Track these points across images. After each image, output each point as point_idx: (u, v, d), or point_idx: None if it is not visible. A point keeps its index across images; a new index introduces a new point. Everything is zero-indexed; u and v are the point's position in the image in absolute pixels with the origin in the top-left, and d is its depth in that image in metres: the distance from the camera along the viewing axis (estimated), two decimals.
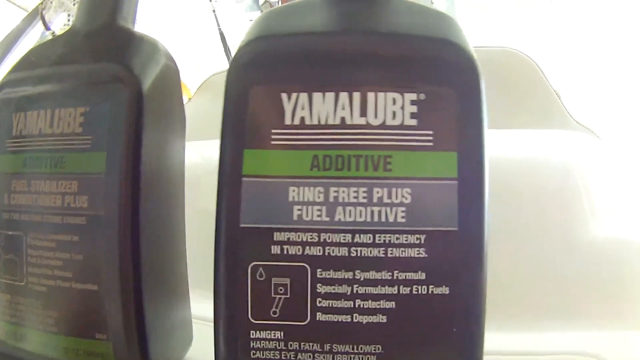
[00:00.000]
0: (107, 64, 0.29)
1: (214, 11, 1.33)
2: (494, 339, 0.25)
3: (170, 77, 0.31)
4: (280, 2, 1.26)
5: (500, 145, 0.43)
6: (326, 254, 0.23)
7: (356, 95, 0.24)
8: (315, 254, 0.23)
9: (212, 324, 0.38)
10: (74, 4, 0.63)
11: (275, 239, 0.24)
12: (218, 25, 1.31)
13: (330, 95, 0.24)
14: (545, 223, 0.41)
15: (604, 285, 0.39)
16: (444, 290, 0.23)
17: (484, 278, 0.23)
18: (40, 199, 0.29)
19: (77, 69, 0.30)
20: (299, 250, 0.23)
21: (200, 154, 0.37)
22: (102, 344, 0.28)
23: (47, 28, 0.61)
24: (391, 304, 0.23)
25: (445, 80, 0.24)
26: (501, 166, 0.37)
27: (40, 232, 0.29)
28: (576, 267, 0.40)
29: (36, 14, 0.58)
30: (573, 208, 0.42)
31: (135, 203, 0.28)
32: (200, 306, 0.34)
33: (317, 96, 0.24)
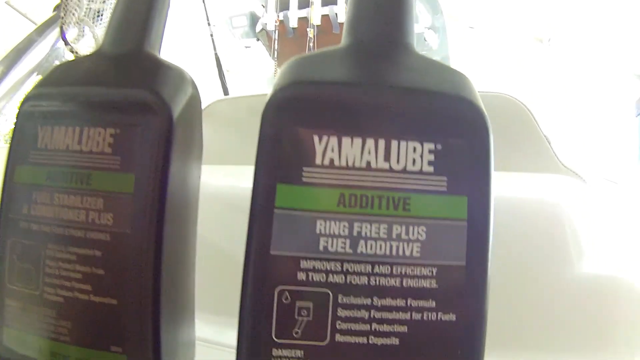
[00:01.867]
0: (137, 89, 0.31)
1: (211, 35, 1.34)
2: None
3: (195, 106, 0.33)
4: (277, 32, 1.29)
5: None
6: (348, 282, 0.26)
7: (381, 142, 0.27)
8: (337, 281, 0.26)
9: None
10: (93, 22, 0.63)
11: (301, 266, 0.26)
12: (215, 49, 1.32)
13: (357, 141, 0.27)
14: (533, 262, 0.45)
15: (588, 321, 0.43)
16: (451, 317, 0.26)
17: (486, 308, 0.27)
18: (63, 213, 0.30)
19: (107, 91, 0.31)
20: (322, 278, 0.26)
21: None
22: (116, 357, 0.29)
23: (64, 39, 0.61)
24: (404, 328, 0.26)
25: (460, 133, 0.27)
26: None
27: (61, 244, 0.30)
28: (561, 304, 0.44)
29: (49, 26, 0.58)
30: (559, 248, 0.46)
31: (160, 224, 0.29)
32: None
33: (346, 140, 0.27)
